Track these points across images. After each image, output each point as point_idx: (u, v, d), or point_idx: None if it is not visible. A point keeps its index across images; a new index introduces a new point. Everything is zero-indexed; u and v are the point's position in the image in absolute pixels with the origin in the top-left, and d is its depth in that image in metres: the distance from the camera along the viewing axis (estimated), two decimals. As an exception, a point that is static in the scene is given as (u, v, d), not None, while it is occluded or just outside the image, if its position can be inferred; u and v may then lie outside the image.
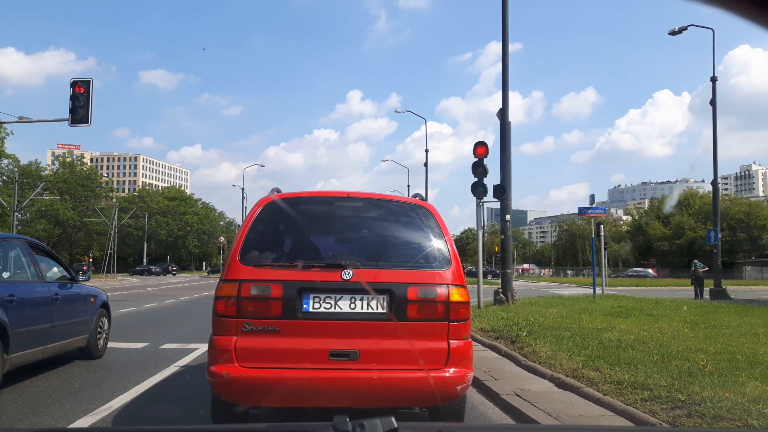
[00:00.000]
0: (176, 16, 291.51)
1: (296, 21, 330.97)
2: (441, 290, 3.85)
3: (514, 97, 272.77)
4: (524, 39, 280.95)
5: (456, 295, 3.86)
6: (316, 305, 3.74)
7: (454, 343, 3.83)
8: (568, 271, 74.16)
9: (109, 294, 8.93)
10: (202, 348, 8.17)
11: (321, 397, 3.78)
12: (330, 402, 3.80)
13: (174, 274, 65.88)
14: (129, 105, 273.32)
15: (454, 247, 4.15)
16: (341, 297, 3.76)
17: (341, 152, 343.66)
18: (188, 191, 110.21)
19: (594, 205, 22.73)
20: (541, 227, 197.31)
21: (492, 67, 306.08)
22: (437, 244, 4.07)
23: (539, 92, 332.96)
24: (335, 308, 3.76)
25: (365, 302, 3.77)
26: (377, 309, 3.77)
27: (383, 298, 3.78)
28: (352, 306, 3.76)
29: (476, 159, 13.76)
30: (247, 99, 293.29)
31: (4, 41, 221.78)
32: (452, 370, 3.79)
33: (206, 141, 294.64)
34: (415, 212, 4.30)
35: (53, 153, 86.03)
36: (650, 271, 62.87)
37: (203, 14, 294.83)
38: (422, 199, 4.69)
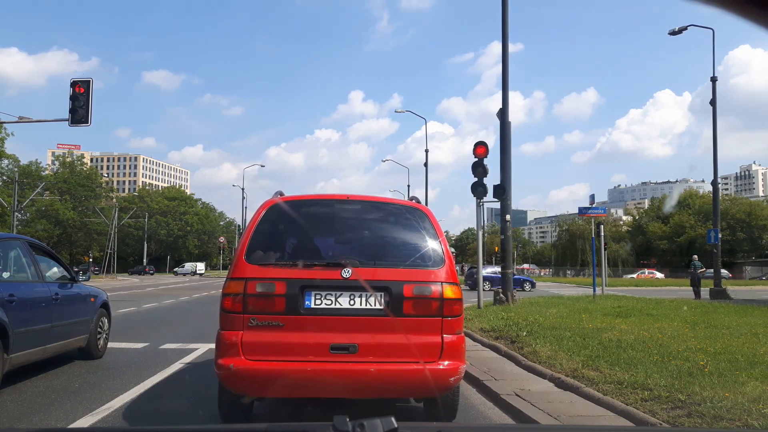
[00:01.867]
0: (179, 17, 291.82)
1: (298, 22, 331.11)
2: (435, 287, 4.04)
3: (515, 97, 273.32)
4: (525, 39, 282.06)
5: (449, 292, 4.05)
6: (318, 302, 3.92)
7: (447, 337, 4.00)
8: (568, 271, 74.21)
9: (109, 294, 8.93)
10: (203, 348, 8.19)
11: (322, 389, 3.96)
12: (331, 393, 4.00)
13: (151, 274, 66.05)
14: (131, 105, 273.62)
15: (448, 247, 4.37)
16: (341, 294, 3.94)
17: (342, 152, 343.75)
18: (188, 191, 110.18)
19: (594, 205, 22.73)
20: (541, 227, 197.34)
21: (494, 68, 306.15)
22: (432, 245, 4.27)
23: (540, 92, 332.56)
24: (335, 304, 3.93)
25: (364, 299, 3.94)
26: (375, 305, 3.94)
27: (381, 295, 3.95)
28: (352, 302, 3.94)
29: (476, 159, 13.78)
30: (248, 99, 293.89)
31: (7, 41, 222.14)
32: (446, 362, 3.96)
33: (207, 141, 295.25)
34: (411, 214, 4.52)
35: (53, 153, 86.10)
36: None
37: (205, 15, 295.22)
38: (418, 202, 4.85)
